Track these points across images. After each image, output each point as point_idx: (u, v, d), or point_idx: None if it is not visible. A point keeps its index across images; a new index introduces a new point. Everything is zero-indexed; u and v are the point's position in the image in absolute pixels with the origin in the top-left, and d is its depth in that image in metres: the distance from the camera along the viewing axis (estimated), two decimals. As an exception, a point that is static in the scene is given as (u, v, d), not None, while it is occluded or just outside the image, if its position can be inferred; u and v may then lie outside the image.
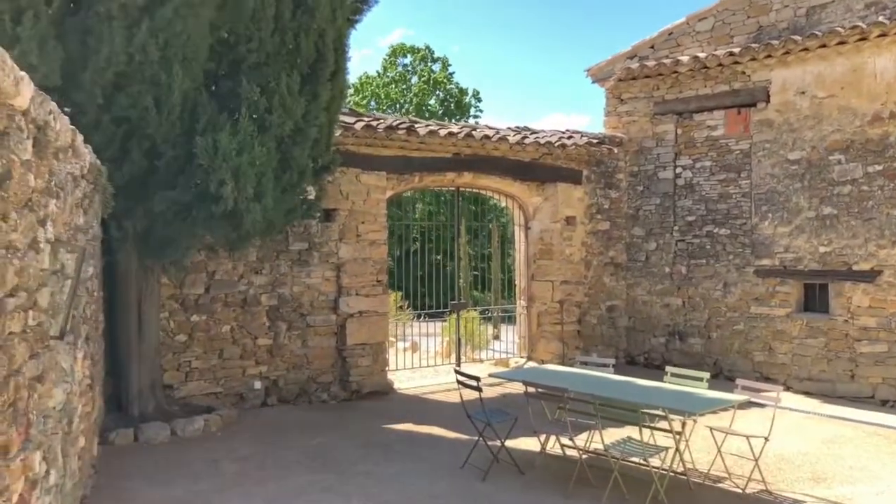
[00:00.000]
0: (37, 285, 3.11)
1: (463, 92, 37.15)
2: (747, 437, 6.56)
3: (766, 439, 6.50)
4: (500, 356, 13.06)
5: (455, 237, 13.24)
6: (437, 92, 36.66)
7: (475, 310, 14.77)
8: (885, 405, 9.64)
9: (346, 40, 8.56)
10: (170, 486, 6.26)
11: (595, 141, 12.26)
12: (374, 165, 10.28)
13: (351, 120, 9.88)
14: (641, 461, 6.15)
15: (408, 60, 37.53)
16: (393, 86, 36.48)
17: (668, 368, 7.54)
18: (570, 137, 12.10)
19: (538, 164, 12.01)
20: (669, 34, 12.49)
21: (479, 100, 37.66)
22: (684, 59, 11.71)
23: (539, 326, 12.22)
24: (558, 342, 12.13)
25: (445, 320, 13.75)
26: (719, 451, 6.75)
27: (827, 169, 10.36)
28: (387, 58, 37.76)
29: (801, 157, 10.62)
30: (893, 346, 9.70)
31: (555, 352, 12.06)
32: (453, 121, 28.07)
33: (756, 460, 6.45)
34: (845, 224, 10.16)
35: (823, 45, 10.22)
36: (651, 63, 12.15)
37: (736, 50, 11.10)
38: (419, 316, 14.57)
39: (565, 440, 6.91)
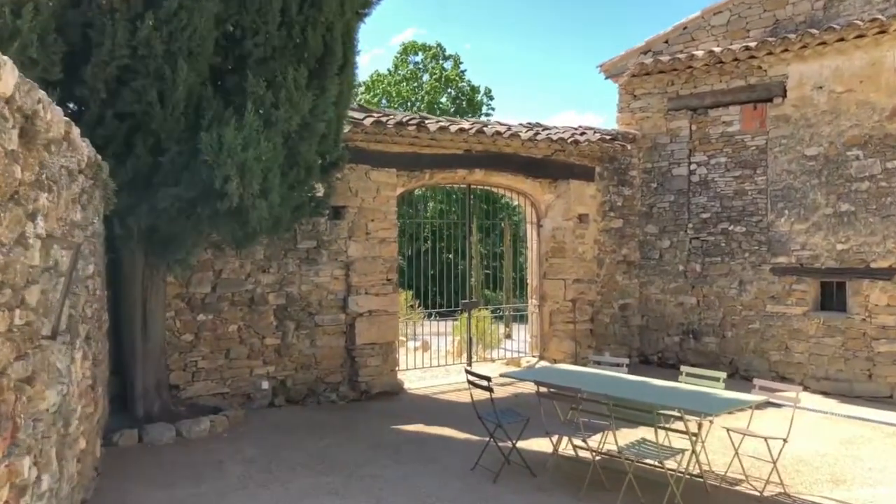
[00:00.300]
0: (25, 282, 2.98)
1: (474, 90, 37.00)
2: (765, 438, 6.42)
3: (785, 441, 6.35)
4: (511, 355, 12.93)
5: (466, 235, 13.09)
6: (449, 90, 36.51)
7: (487, 309, 14.62)
8: (903, 405, 9.45)
9: (355, 34, 8.41)
10: (172, 489, 6.14)
11: (608, 137, 12.09)
12: (383, 162, 10.14)
13: (360, 116, 9.75)
14: (657, 463, 5.99)
15: (419, 58, 37.40)
16: (404, 84, 36.35)
17: (684, 368, 7.39)
18: (582, 134, 11.94)
19: (550, 161, 11.85)
20: (684, 28, 12.31)
21: (491, 98, 37.53)
22: (699, 53, 11.53)
23: (551, 325, 12.07)
24: (571, 341, 11.98)
25: (456, 319, 13.61)
26: (736, 452, 6.59)
27: (845, 165, 10.17)
28: (398, 55, 37.64)
29: (819, 152, 10.42)
30: (914, 346, 9.52)
31: (567, 351, 11.91)
32: (465, 118, 27.94)
33: (774, 463, 6.29)
34: (863, 221, 9.96)
35: (841, 39, 10.03)
36: (665, 58, 11.97)
37: (752, 44, 10.91)
38: (430, 315, 14.47)
39: (578, 441, 6.78)
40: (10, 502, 2.76)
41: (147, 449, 7.23)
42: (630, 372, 7.75)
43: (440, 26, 57.41)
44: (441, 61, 37.10)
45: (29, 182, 3.03)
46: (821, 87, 10.43)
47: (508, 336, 15.33)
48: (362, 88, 34.84)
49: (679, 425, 6.04)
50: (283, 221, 7.99)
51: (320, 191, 8.77)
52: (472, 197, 12.85)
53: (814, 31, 10.25)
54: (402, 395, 10.15)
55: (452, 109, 35.29)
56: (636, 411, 6.19)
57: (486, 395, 6.65)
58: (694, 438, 5.90)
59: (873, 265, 9.87)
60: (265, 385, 9.22)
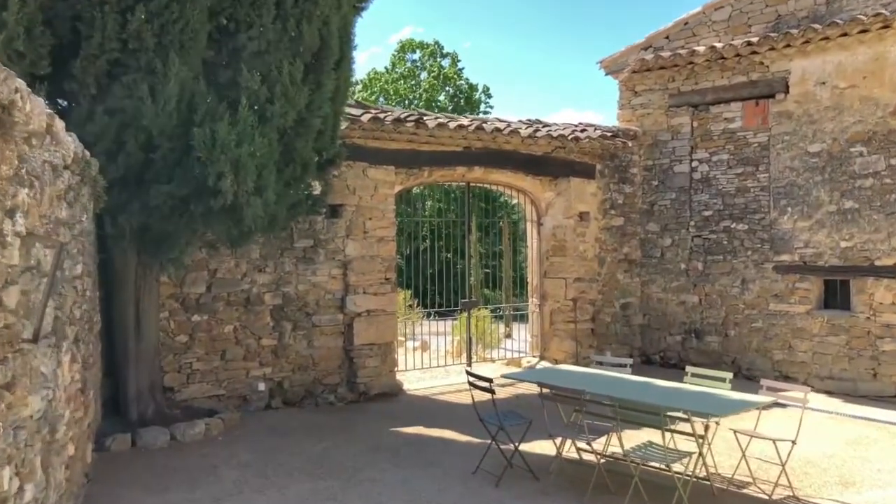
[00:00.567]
0: (2, 283, 2.82)
1: (473, 88, 36.79)
2: (773, 440, 6.28)
3: (794, 443, 6.20)
4: (512, 355, 12.79)
5: (465, 234, 12.93)
6: (447, 88, 36.30)
7: (486, 308, 14.47)
8: (909, 405, 9.32)
9: (352, 28, 8.27)
10: (166, 494, 5.98)
11: (609, 134, 11.95)
12: (381, 159, 9.98)
13: (358, 112, 9.59)
14: (663, 466, 5.84)
15: (417, 56, 37.19)
16: (402, 81, 36.14)
17: (689, 368, 7.24)
18: (583, 131, 11.79)
19: (551, 159, 11.70)
20: (685, 24, 12.18)
21: (490, 96, 37.31)
22: (700, 49, 11.38)
23: (552, 325, 11.93)
24: (571, 341, 11.83)
25: (456, 319, 13.47)
26: (744, 454, 6.45)
27: (848, 161, 10.03)
28: (395, 53, 37.39)
29: (822, 149, 10.29)
30: (920, 345, 9.38)
31: (568, 351, 11.77)
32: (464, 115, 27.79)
33: (783, 465, 6.15)
34: (867, 218, 9.83)
35: (844, 34, 9.90)
36: (666, 54, 11.83)
37: (754, 39, 10.77)
38: (429, 315, 14.32)
39: (582, 444, 6.64)
40: (-14, 516, 2.61)
41: (140, 453, 7.06)
42: (633, 372, 7.62)
43: (439, 24, 57.25)
44: (439, 59, 36.91)
45: (6, 177, 2.87)
46: (824, 83, 10.29)
47: (508, 336, 15.17)
48: (359, 86, 34.62)
49: (685, 427, 5.89)
50: (278, 220, 7.81)
51: (317, 188, 8.60)
52: (471, 195, 12.70)
53: (816, 26, 10.12)
54: (402, 397, 9.99)
55: (450, 107, 35.09)
56: (642, 413, 6.04)
57: (486, 395, 6.50)
58: (701, 441, 5.75)
59: (878, 263, 9.73)
60: (261, 387, 9.06)
